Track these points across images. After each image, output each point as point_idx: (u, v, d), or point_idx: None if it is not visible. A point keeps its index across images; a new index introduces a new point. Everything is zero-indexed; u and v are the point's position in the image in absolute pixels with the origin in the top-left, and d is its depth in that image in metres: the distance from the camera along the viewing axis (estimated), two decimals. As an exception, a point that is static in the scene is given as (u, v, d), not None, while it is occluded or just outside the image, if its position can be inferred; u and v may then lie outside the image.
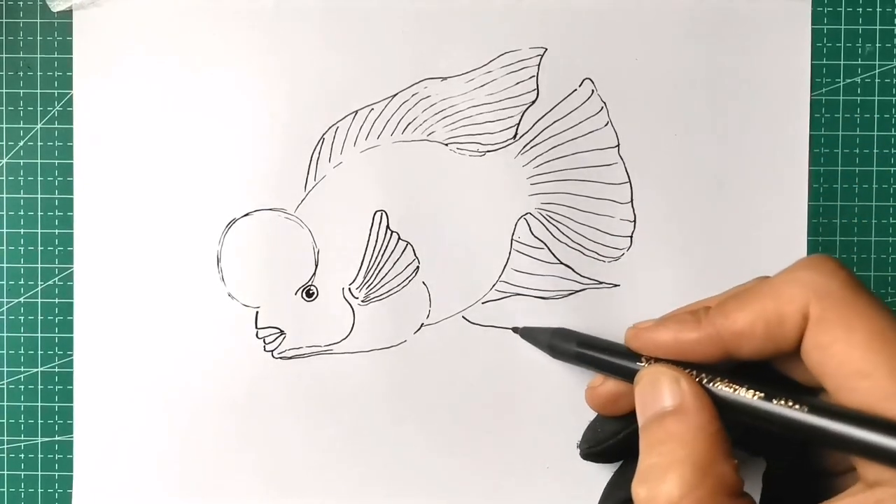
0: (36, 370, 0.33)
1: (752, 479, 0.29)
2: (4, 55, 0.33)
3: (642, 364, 0.26)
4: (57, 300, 0.33)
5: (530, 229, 0.33)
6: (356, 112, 0.33)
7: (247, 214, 0.33)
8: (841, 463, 0.25)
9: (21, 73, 0.33)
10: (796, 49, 0.33)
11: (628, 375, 0.26)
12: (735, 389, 0.24)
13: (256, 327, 0.33)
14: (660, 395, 0.24)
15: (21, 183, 0.33)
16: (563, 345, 0.30)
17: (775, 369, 0.25)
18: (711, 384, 0.24)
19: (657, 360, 0.26)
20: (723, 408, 0.24)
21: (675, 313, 0.26)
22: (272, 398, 0.33)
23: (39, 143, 0.33)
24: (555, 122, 0.33)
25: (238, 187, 0.33)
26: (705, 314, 0.25)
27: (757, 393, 0.23)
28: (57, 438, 0.33)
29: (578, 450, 0.30)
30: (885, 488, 0.21)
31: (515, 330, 0.33)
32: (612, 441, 0.28)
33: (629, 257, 0.33)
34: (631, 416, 0.26)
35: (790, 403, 0.22)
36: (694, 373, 0.25)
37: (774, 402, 0.23)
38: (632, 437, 0.26)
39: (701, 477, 0.22)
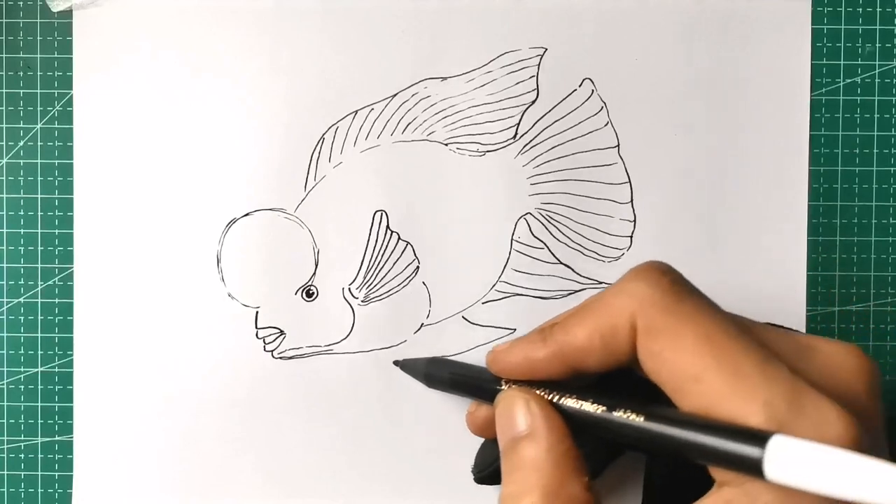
0: (36, 370, 0.33)
1: (637, 473, 0.30)
2: (4, 55, 0.33)
3: (502, 388, 0.26)
4: (57, 300, 0.33)
5: (530, 229, 0.33)
6: (356, 112, 0.33)
7: (247, 214, 0.33)
8: None
9: (21, 73, 0.33)
10: (796, 49, 0.33)
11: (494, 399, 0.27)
12: (581, 404, 0.24)
13: (256, 327, 0.33)
14: (513, 419, 0.25)
15: (21, 183, 0.33)
16: (437, 373, 0.31)
17: (641, 377, 0.25)
18: (561, 400, 0.25)
19: (516, 382, 0.26)
20: (575, 423, 0.24)
21: (528, 333, 0.26)
22: (272, 398, 0.33)
23: (39, 143, 0.33)
24: (555, 122, 0.33)
25: (238, 187, 0.33)
26: (550, 332, 0.25)
27: (599, 406, 0.23)
28: (57, 438, 0.33)
29: (472, 476, 0.30)
30: (730, 488, 0.21)
31: (396, 363, 0.33)
32: (498, 464, 0.28)
33: (629, 257, 0.33)
34: None
35: (628, 414, 0.23)
36: (546, 391, 0.25)
37: (615, 413, 0.23)
38: None
39: (551, 501, 0.22)
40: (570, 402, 0.24)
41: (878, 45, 0.34)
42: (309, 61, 0.33)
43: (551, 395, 0.25)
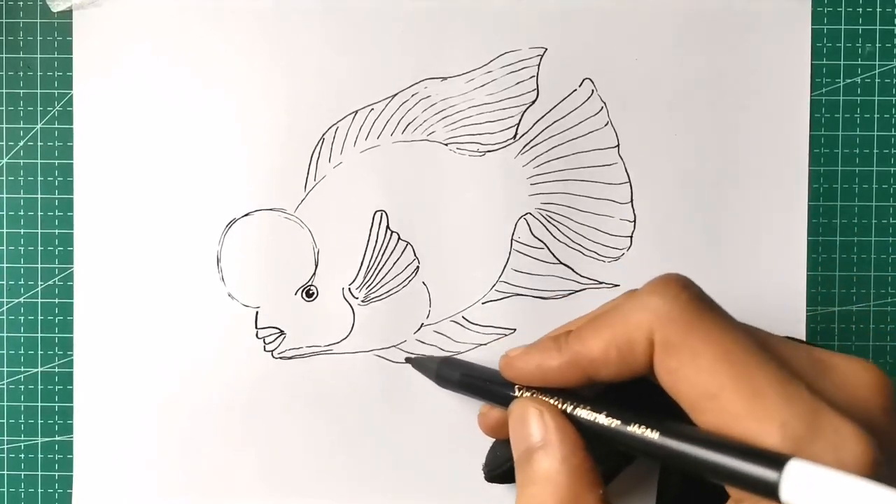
0: (36, 370, 0.33)
1: (650, 477, 0.30)
2: (4, 55, 0.33)
3: (516, 394, 0.27)
4: (57, 300, 0.33)
5: (530, 229, 0.33)
6: (356, 112, 0.33)
7: (247, 214, 0.33)
8: None
9: (21, 73, 0.33)
10: (796, 49, 0.33)
11: (507, 403, 0.27)
12: (595, 416, 0.24)
13: (256, 327, 0.33)
14: (527, 429, 0.25)
15: (21, 183, 0.33)
16: (449, 374, 0.30)
17: (656, 385, 0.25)
18: (575, 410, 0.24)
19: (528, 388, 0.26)
20: (589, 434, 0.24)
21: (541, 340, 0.26)
22: (272, 398, 0.33)
23: (39, 143, 0.33)
24: (555, 122, 0.33)
25: (238, 187, 0.33)
26: (565, 340, 0.25)
27: (614, 419, 0.23)
28: (57, 438, 0.33)
29: (483, 473, 0.30)
30: None
31: (408, 360, 0.33)
32: (509, 464, 0.28)
33: (629, 257, 0.33)
34: None
35: (643, 429, 0.23)
36: (560, 401, 0.25)
37: (630, 427, 0.23)
38: None
39: None
40: (585, 414, 0.24)
41: (878, 45, 0.34)
42: (309, 61, 0.33)
43: (565, 405, 0.25)
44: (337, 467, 0.33)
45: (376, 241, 0.33)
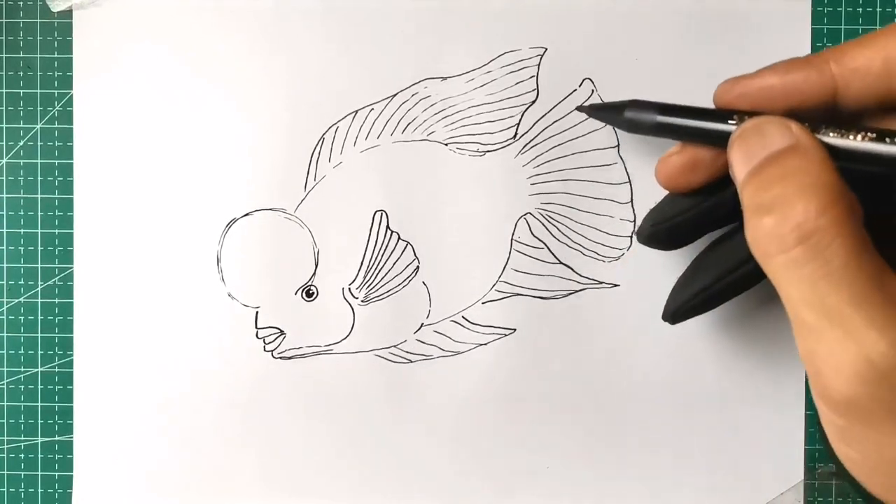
0: (36, 370, 0.33)
1: None
2: (4, 55, 0.33)
3: (733, 122, 0.24)
4: (57, 300, 0.33)
5: (530, 229, 0.33)
6: (356, 112, 0.33)
7: (247, 214, 0.33)
8: None
9: (21, 73, 0.33)
10: (796, 49, 0.33)
11: (716, 139, 0.25)
12: (843, 135, 0.23)
13: (256, 327, 0.33)
14: (769, 140, 0.22)
15: (21, 183, 0.33)
16: (641, 116, 0.27)
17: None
18: (817, 133, 0.23)
19: (750, 115, 0.24)
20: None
21: (774, 63, 0.25)
22: (272, 398, 0.33)
23: (39, 143, 0.33)
24: (555, 122, 0.33)
25: (238, 187, 0.33)
26: (816, 55, 0.23)
27: (868, 135, 0.22)
28: (57, 438, 0.33)
29: (635, 237, 0.27)
30: None
31: (580, 108, 0.30)
32: (681, 218, 0.26)
33: (629, 257, 0.33)
34: (703, 192, 0.25)
35: None
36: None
37: (887, 141, 0.22)
38: (706, 213, 0.25)
39: (835, 198, 0.20)
40: (831, 133, 0.23)
41: (878, 45, 0.34)
42: (309, 61, 0.33)
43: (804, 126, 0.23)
44: (337, 467, 0.33)
45: (376, 241, 0.33)
